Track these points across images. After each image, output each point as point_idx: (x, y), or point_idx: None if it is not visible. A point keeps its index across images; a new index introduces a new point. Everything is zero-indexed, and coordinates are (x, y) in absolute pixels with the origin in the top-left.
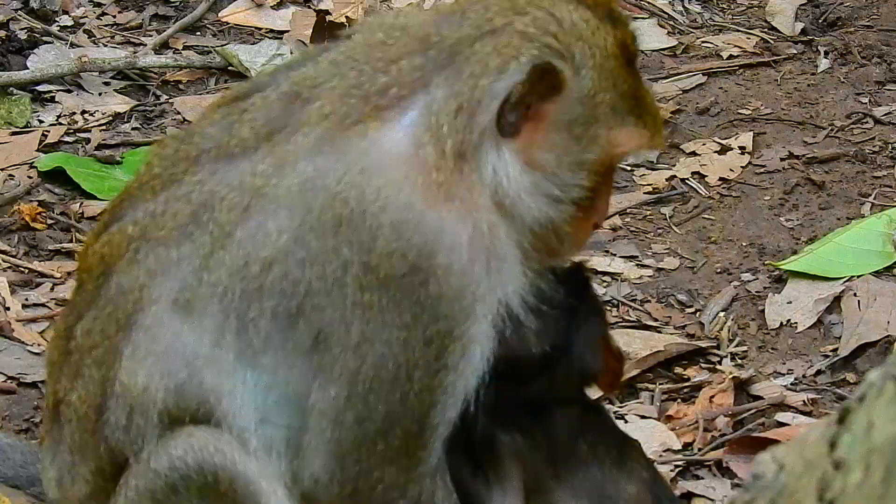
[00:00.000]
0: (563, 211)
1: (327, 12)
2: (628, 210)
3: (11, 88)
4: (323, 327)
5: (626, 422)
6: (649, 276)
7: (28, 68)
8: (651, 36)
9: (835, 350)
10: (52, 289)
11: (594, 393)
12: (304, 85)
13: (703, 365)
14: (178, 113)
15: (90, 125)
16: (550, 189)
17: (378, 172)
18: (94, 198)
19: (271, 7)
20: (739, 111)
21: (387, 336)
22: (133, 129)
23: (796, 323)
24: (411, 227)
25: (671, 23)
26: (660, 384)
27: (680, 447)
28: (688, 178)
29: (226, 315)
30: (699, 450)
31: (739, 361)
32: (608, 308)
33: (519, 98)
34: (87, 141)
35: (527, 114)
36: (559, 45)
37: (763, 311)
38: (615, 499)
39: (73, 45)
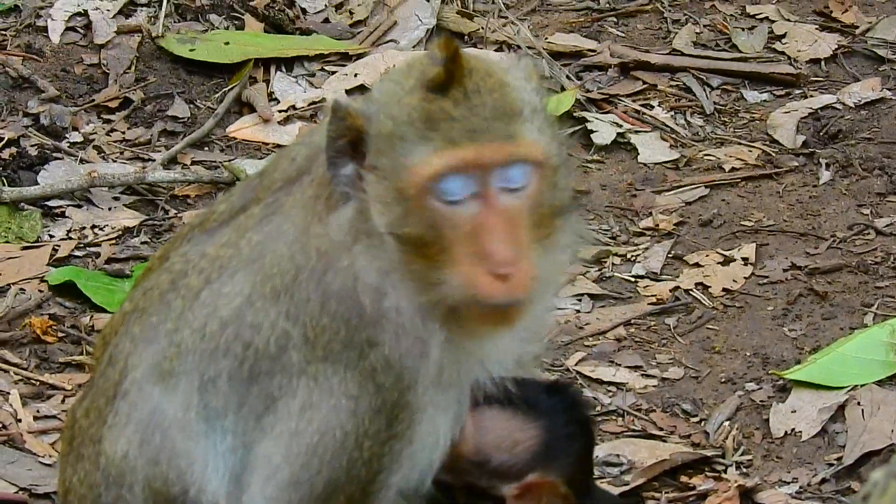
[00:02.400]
0: (416, 272)
1: None
2: (633, 321)
3: (22, 204)
4: (272, 392)
5: None
6: (654, 386)
7: (38, 184)
8: (654, 149)
9: (839, 459)
10: (63, 401)
11: None
12: (268, 166)
13: (708, 474)
14: None
15: (100, 239)
16: (394, 245)
17: (297, 247)
18: (105, 311)
19: (278, 122)
20: (742, 223)
21: (334, 403)
22: (142, 243)
23: (801, 432)
24: (333, 305)
25: (673, 136)
26: (665, 493)
27: None
28: (691, 289)
29: (191, 376)
30: None
31: (745, 470)
32: (613, 418)
33: (334, 146)
34: (97, 255)
35: (361, 164)
36: (370, 92)
37: (767, 420)
38: None
39: (82, 161)
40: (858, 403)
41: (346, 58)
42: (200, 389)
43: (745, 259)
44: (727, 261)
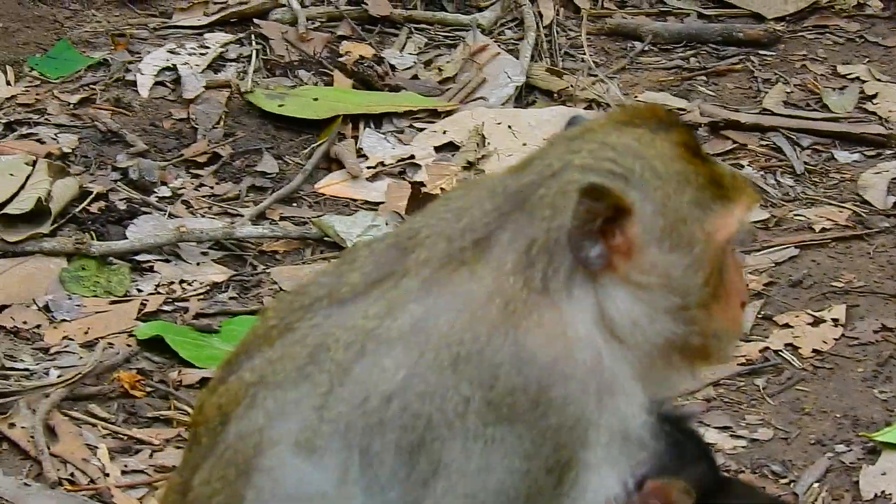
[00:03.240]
0: (692, 318)
1: (422, 184)
2: (722, 381)
3: (111, 258)
4: (443, 457)
5: None
6: (743, 447)
7: (127, 238)
8: None
9: None
10: (150, 455)
11: None
12: (403, 237)
13: None
14: (275, 283)
15: (188, 294)
16: (672, 302)
17: (485, 317)
18: (192, 366)
19: (367, 179)
20: (832, 284)
21: (508, 464)
22: (230, 298)
23: (891, 494)
24: (527, 365)
25: (764, 196)
26: None
27: None
28: (781, 350)
29: (349, 451)
30: None
31: None
32: None
33: (585, 228)
34: (185, 310)
35: (612, 243)
36: (618, 167)
37: (857, 482)
38: None
39: (171, 216)
40: None
41: (434, 114)
42: (362, 465)
43: (835, 320)
44: (817, 322)
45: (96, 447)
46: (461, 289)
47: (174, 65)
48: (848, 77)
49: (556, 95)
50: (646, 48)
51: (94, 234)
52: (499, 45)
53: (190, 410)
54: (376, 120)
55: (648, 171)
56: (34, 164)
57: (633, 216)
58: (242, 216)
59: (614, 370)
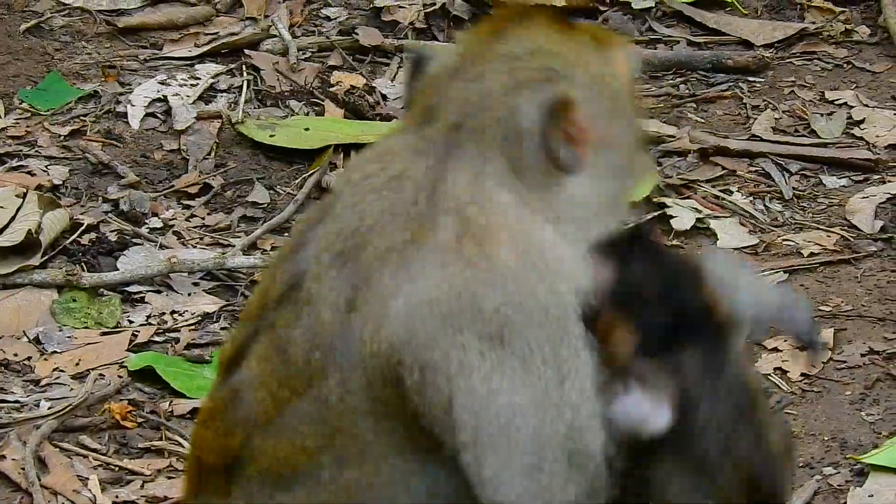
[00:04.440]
0: (632, 168)
1: None
2: None
3: (102, 289)
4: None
5: None
6: None
7: (118, 269)
8: (733, 235)
9: None
10: (142, 486)
11: None
12: (346, 239)
13: None
14: None
15: (179, 325)
16: (621, 163)
17: (455, 259)
18: (184, 396)
19: None
20: (820, 308)
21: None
22: (222, 328)
23: None
24: (501, 278)
25: (752, 221)
26: None
27: None
28: (770, 374)
29: None
30: None
31: None
32: None
33: (557, 138)
34: (177, 340)
35: (574, 139)
36: (541, 71)
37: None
38: None
39: (162, 247)
40: None
41: None
42: None
43: (823, 344)
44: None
45: (87, 478)
46: (428, 246)
47: (165, 96)
48: (836, 103)
49: None
50: (635, 75)
51: (84, 266)
52: None
53: (181, 441)
54: None
55: (562, 60)
56: (24, 196)
57: (578, 107)
58: (234, 246)
59: (571, 254)
